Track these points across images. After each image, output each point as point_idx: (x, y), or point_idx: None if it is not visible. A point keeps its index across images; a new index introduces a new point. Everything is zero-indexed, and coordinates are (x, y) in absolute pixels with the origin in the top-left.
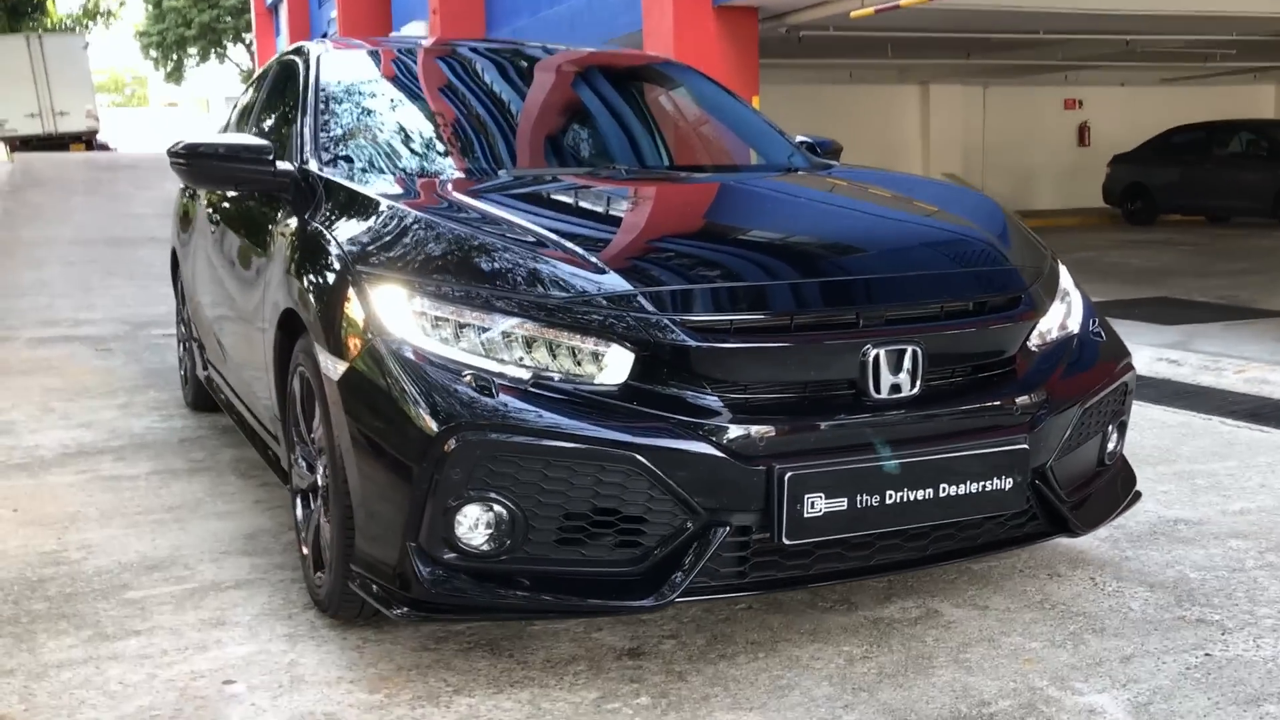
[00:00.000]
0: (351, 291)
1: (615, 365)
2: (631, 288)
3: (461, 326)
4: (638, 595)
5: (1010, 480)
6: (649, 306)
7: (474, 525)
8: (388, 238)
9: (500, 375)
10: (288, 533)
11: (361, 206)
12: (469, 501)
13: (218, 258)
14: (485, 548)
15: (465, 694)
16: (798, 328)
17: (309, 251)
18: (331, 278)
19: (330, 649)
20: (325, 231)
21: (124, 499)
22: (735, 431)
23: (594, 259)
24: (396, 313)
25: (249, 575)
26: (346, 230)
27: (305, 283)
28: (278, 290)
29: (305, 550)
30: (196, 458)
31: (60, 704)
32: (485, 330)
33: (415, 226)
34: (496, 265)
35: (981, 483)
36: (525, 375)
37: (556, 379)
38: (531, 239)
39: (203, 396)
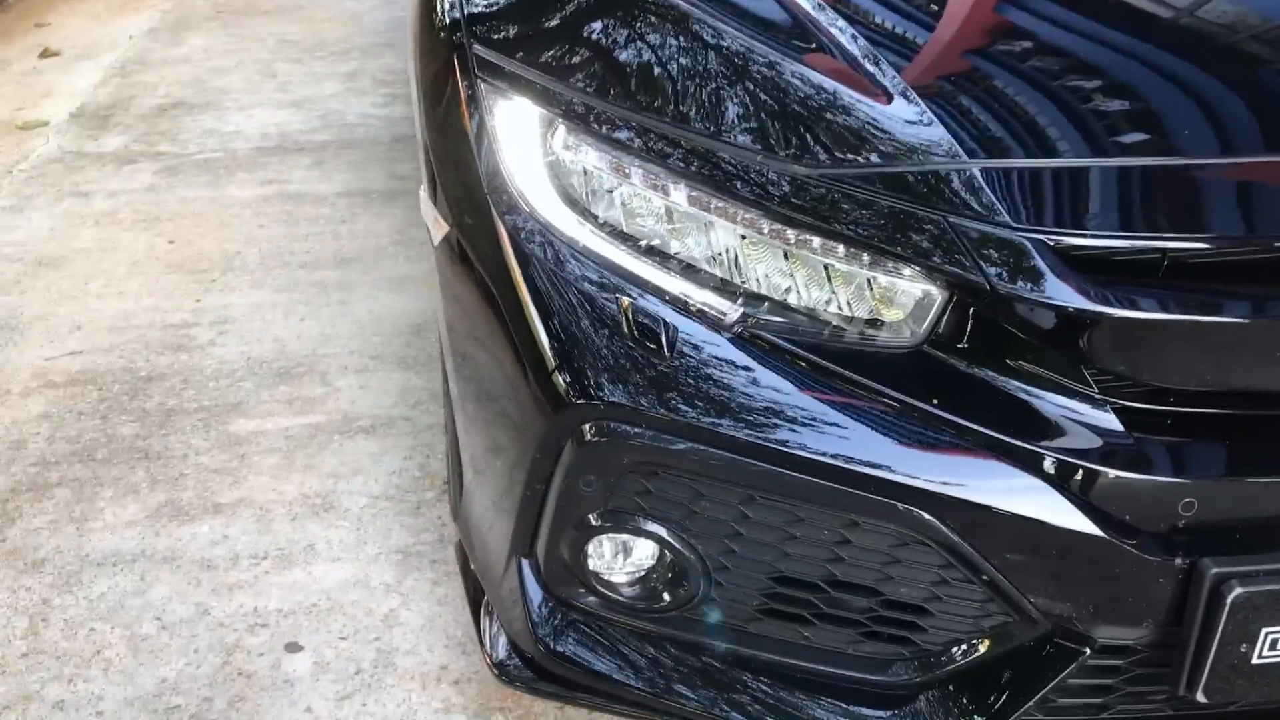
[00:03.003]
0: (456, 88)
1: (906, 311)
2: (965, 158)
3: (629, 193)
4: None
5: None
6: (997, 208)
7: (617, 558)
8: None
9: (687, 303)
10: None
11: None
12: (612, 528)
13: None
14: (636, 593)
15: None
16: None
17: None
18: (435, 61)
19: (449, 604)
20: None
21: (295, 238)
22: (1132, 485)
23: (890, 85)
24: (521, 146)
25: (390, 411)
26: None
27: (416, 61)
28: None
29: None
30: (400, 174)
31: (70, 649)
32: (666, 209)
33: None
34: (712, 91)
35: None
36: (731, 310)
37: (786, 324)
38: (789, 40)
39: None
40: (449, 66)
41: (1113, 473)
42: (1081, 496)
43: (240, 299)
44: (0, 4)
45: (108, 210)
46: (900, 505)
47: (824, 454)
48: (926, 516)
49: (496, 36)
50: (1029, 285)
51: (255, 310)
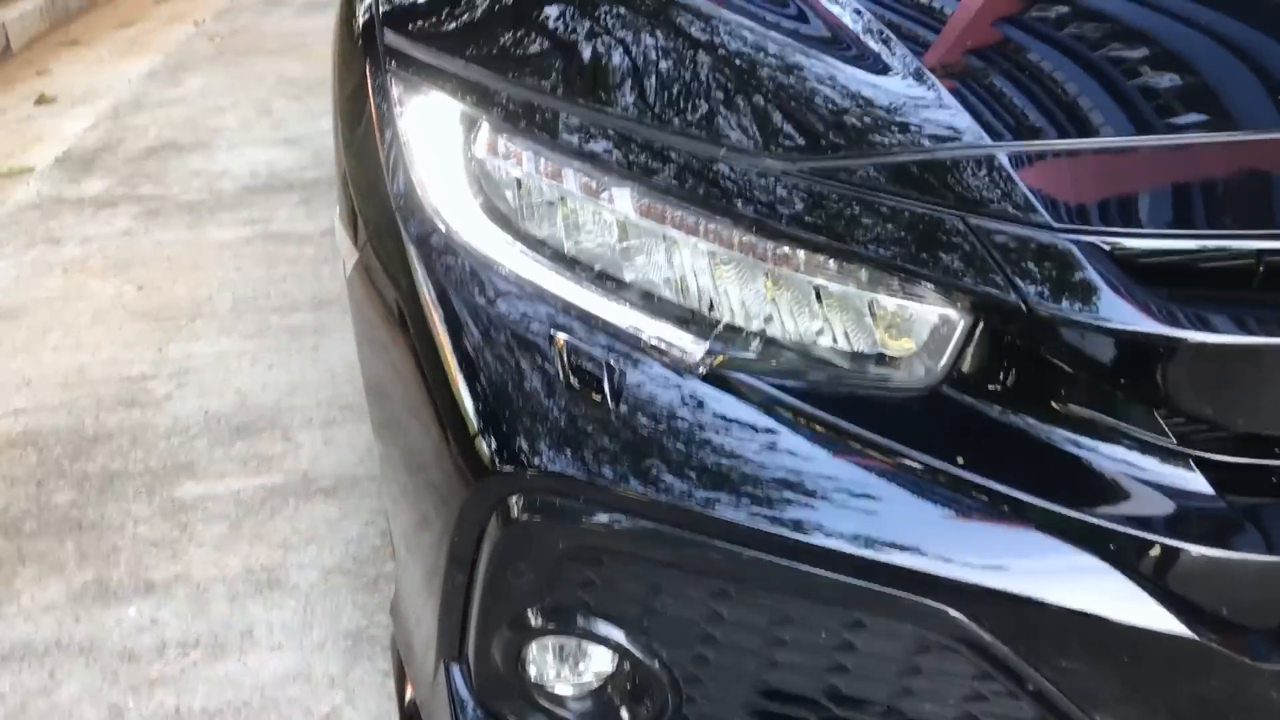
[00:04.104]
0: (365, 87)
1: (919, 342)
2: (989, 142)
3: (566, 201)
4: None
5: None
6: (1032, 203)
7: (565, 666)
8: None
9: (638, 338)
10: None
11: None
12: (554, 629)
13: None
14: (588, 709)
15: None
16: None
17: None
18: (349, 65)
19: (389, 703)
20: None
21: (273, 280)
22: (1228, 566)
23: (898, 60)
24: (438, 150)
25: (355, 469)
26: None
27: (334, 73)
28: None
29: None
30: None
31: None
32: (614, 222)
33: None
34: (673, 71)
35: None
36: (694, 346)
37: (761, 359)
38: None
39: None
40: (361, 65)
41: (1200, 550)
42: (1159, 582)
43: (206, 347)
44: (5, 54)
45: (78, 257)
46: (917, 599)
47: (815, 532)
48: (952, 613)
49: (414, 25)
50: (1078, 303)
51: (220, 359)
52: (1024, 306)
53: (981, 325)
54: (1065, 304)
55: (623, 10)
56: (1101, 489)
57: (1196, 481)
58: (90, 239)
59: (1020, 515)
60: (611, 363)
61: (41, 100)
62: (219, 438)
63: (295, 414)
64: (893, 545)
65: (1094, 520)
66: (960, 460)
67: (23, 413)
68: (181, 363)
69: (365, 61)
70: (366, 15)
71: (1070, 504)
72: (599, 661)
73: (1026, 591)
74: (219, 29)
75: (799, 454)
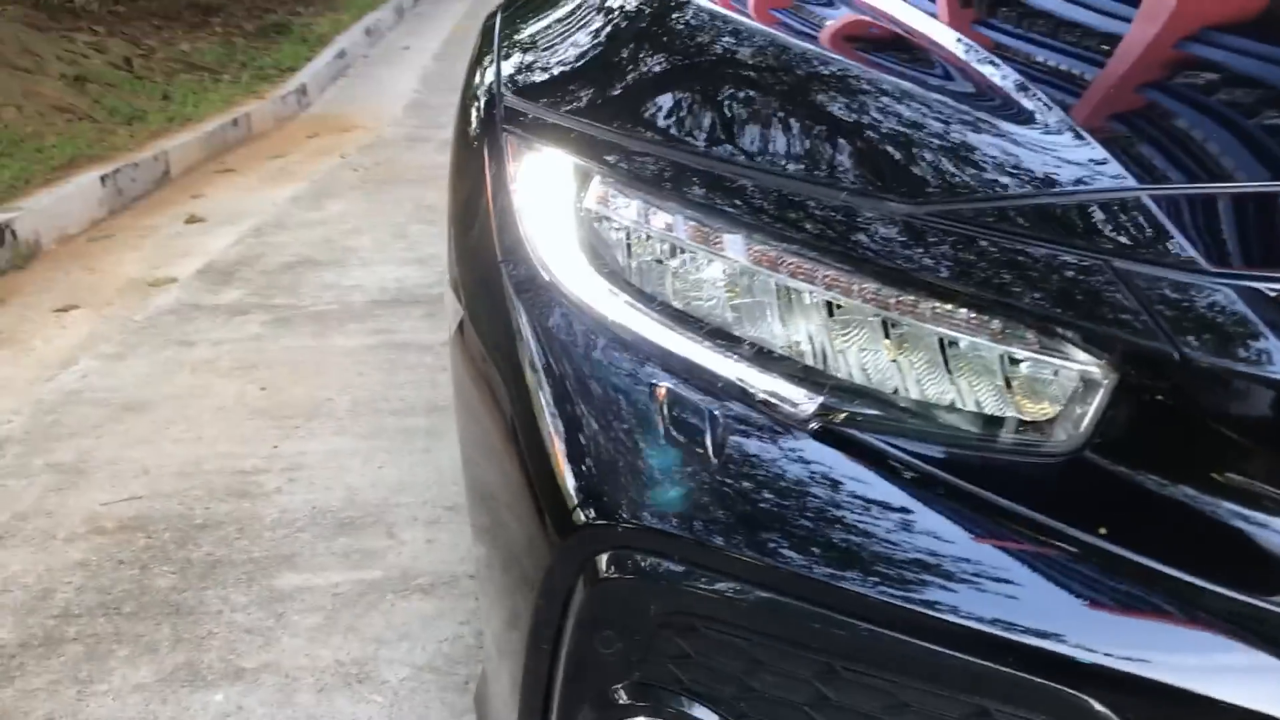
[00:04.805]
0: (480, 149)
1: (1058, 402)
2: (1134, 184)
3: (676, 251)
4: None
5: None
6: (1184, 247)
7: None
8: (571, 50)
9: (746, 390)
10: None
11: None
12: (645, 709)
13: None
14: None
15: None
16: None
17: (470, 71)
18: (469, 121)
19: None
20: (495, 40)
21: (392, 385)
22: None
23: (1045, 112)
24: (547, 205)
25: (455, 568)
26: (523, 41)
27: (452, 154)
28: None
29: None
30: None
31: None
32: (725, 273)
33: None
34: (803, 130)
35: None
36: (807, 401)
37: (880, 417)
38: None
39: None
40: (478, 128)
41: None
42: None
43: (319, 445)
44: (165, 178)
45: (208, 358)
46: (1054, 687)
47: (937, 608)
48: (1097, 707)
49: (533, 86)
50: (1239, 352)
51: (332, 456)
52: (1177, 355)
53: (1130, 381)
54: (1226, 353)
55: (735, 57)
56: (1276, 571)
57: None
58: (221, 342)
59: (1174, 596)
60: (716, 415)
61: (191, 220)
62: (323, 531)
63: (401, 511)
64: (1024, 625)
65: (1268, 605)
66: (1102, 531)
67: (137, 499)
68: (294, 459)
69: (483, 127)
70: (491, 82)
71: (1235, 586)
72: None
73: (1183, 684)
74: (363, 161)
75: (922, 521)
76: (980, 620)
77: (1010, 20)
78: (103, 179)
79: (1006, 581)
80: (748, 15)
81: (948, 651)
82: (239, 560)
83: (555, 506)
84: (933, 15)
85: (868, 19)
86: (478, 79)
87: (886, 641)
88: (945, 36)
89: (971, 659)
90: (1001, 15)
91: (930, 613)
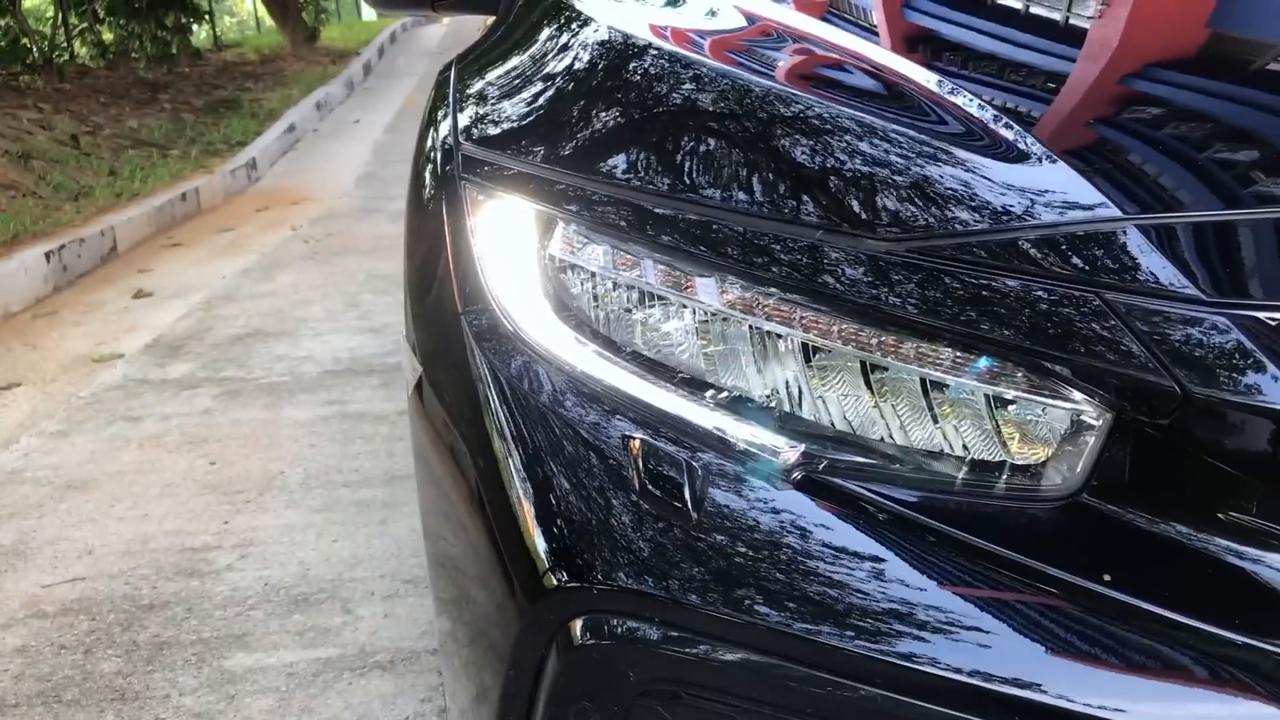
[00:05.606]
0: (438, 201)
1: (1051, 445)
2: (1121, 214)
3: (645, 298)
4: None
5: None
6: (1178, 276)
7: None
8: (530, 98)
9: (724, 440)
10: None
11: (528, 35)
12: None
13: None
14: None
15: None
16: None
17: (424, 126)
18: (424, 175)
19: None
20: (450, 92)
21: (346, 457)
22: None
23: (1021, 139)
24: (509, 253)
25: (415, 644)
26: (479, 92)
27: (408, 207)
28: None
29: None
30: None
31: None
32: (696, 319)
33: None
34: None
35: None
36: (788, 450)
37: (864, 465)
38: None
39: None
40: (435, 181)
41: None
42: None
43: (272, 520)
44: (111, 254)
45: (155, 433)
46: None
47: (934, 666)
48: None
49: (491, 131)
50: (1240, 383)
51: (285, 532)
52: (1178, 390)
53: (1126, 420)
54: (1226, 385)
55: (698, 99)
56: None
57: None
58: (169, 417)
59: (1183, 647)
60: (693, 466)
61: (139, 294)
62: (276, 609)
63: (357, 586)
64: (1028, 682)
65: (1268, 647)
66: (1106, 578)
67: (80, 580)
68: (246, 534)
69: (441, 179)
70: (446, 134)
71: (1248, 632)
72: None
73: None
74: (314, 233)
75: (911, 573)
76: (968, 674)
77: (968, 59)
78: (47, 255)
79: (1001, 634)
80: (706, 56)
81: (936, 708)
82: (188, 641)
83: (524, 569)
84: (891, 50)
85: (833, 55)
86: (432, 133)
87: (888, 705)
88: (912, 71)
89: (961, 716)
90: (955, 52)
91: (914, 668)
